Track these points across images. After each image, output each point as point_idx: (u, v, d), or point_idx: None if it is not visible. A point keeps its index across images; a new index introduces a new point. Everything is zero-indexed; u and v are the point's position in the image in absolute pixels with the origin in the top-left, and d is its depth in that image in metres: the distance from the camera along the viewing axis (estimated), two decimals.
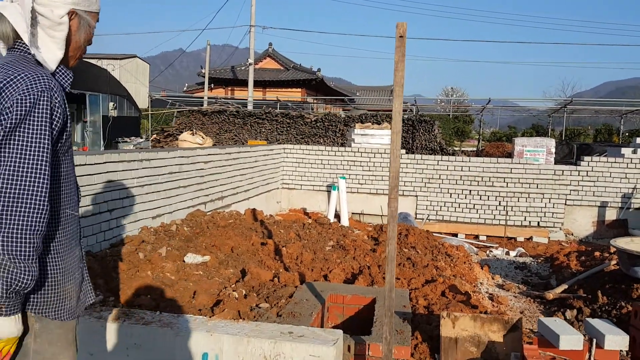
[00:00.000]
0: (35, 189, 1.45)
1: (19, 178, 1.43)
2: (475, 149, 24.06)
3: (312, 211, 9.96)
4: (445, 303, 4.04)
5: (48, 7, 1.57)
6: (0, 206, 1.41)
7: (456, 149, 22.90)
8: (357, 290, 4.19)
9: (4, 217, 1.41)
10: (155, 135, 17.79)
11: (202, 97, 25.75)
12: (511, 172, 9.53)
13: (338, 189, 9.23)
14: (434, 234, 7.98)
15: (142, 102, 28.93)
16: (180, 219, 5.61)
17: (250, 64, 25.10)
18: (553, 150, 11.50)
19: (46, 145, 1.48)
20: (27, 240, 1.42)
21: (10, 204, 1.41)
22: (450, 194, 9.71)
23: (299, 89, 33.90)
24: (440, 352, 3.09)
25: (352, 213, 9.80)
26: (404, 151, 10.15)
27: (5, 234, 1.40)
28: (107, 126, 19.34)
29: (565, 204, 9.46)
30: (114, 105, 20.43)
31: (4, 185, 1.41)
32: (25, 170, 1.44)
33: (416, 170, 9.81)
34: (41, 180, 1.46)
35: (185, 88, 37.54)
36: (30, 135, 1.45)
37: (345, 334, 3.21)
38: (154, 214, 5.18)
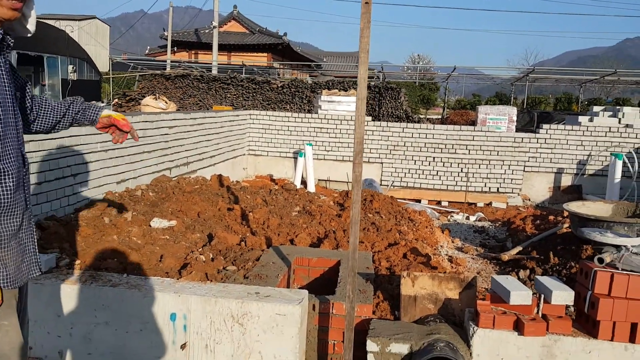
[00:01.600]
0: None
1: None
2: (440, 116, 24.38)
3: (279, 178, 10.02)
4: (406, 264, 4.21)
5: None
6: None
7: (422, 116, 23.16)
8: (322, 253, 4.30)
9: None
10: (117, 100, 17.33)
11: (165, 61, 25.09)
12: (473, 140, 9.77)
13: (304, 156, 9.29)
14: (398, 200, 8.16)
15: (103, 65, 27.98)
16: (146, 185, 5.58)
17: (214, 27, 24.52)
18: (515, 118, 11.79)
19: None
20: None
21: None
22: (415, 161, 9.90)
23: (265, 54, 33.38)
24: (400, 310, 3.24)
25: (319, 180, 9.90)
26: (370, 118, 10.25)
27: None
28: (66, 90, 18.71)
29: (524, 171, 9.79)
30: (73, 68, 19.74)
31: None
32: None
33: (382, 137, 9.93)
34: None
35: (147, 51, 36.41)
36: None
37: (310, 294, 3.33)
38: (119, 179, 5.14)
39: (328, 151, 10.12)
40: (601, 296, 2.83)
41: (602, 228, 4.69)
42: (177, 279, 3.15)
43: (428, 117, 24.73)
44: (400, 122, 13.98)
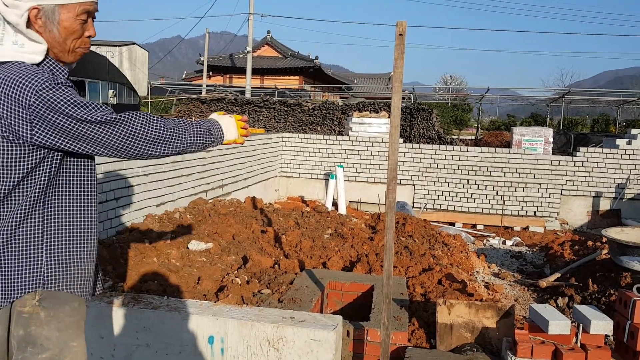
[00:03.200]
0: None
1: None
2: (473, 137, 24.15)
3: (310, 199, 10.09)
4: (441, 291, 4.18)
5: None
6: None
7: (454, 137, 22.97)
8: (355, 277, 4.31)
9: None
10: None
11: (201, 85, 25.74)
12: (509, 162, 9.65)
13: (336, 178, 9.35)
14: (432, 223, 8.11)
15: (142, 89, 28.88)
16: (183, 207, 5.73)
17: (248, 52, 25.07)
18: (551, 139, 11.61)
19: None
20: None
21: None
22: (448, 183, 9.84)
23: (297, 77, 33.87)
24: (436, 338, 3.23)
25: (350, 201, 9.93)
26: (401, 140, 10.26)
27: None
28: None
29: (561, 194, 9.59)
30: (113, 92, 20.44)
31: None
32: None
33: (414, 159, 9.92)
34: None
35: (184, 76, 37.45)
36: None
37: (344, 319, 3.34)
38: (158, 202, 5.30)
39: (359, 173, 10.15)
40: None
41: None
42: (215, 302, 3.22)
43: (461, 137, 24.52)
44: (433, 143, 13.93)
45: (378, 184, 10.03)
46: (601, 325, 2.87)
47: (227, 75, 34.37)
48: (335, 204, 9.47)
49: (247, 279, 3.92)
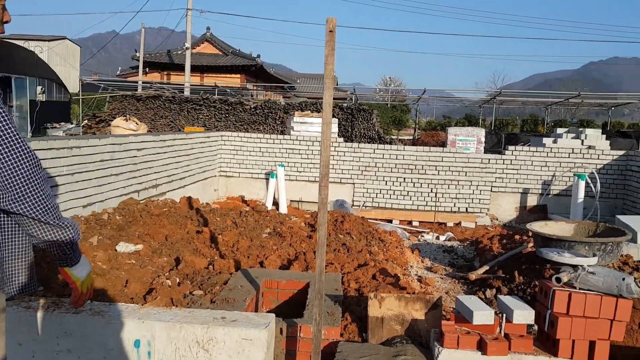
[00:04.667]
0: None
1: None
2: (411, 137, 24.77)
3: (251, 199, 10.00)
4: (375, 285, 4.24)
5: None
6: None
7: (394, 137, 23.47)
8: (291, 275, 4.31)
9: None
10: (86, 121, 17.12)
11: (137, 82, 24.93)
12: (442, 161, 9.95)
13: (276, 177, 9.31)
14: (370, 220, 8.23)
15: (73, 86, 27.62)
16: (113, 208, 5.52)
17: (187, 48, 24.55)
18: (483, 139, 12.09)
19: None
20: None
21: None
22: (386, 181, 10.02)
23: (238, 75, 33.49)
24: (367, 332, 3.27)
25: (291, 200, 9.92)
26: (342, 139, 10.35)
27: None
28: (34, 111, 18.39)
29: (491, 191, 9.99)
30: (42, 89, 19.43)
31: None
32: None
33: (353, 158, 10.04)
34: None
35: (118, 72, 36.14)
36: None
37: (278, 317, 3.32)
38: (85, 203, 5.07)
39: (300, 172, 10.16)
40: (560, 315, 2.91)
41: (564, 248, 4.82)
42: (142, 305, 3.12)
43: (400, 137, 25.09)
44: (373, 142, 14.15)
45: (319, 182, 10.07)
46: (523, 314, 3.01)
47: (165, 72, 33.48)
48: (276, 204, 9.44)
49: (179, 280, 3.82)
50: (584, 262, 3.10)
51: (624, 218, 6.17)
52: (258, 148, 10.31)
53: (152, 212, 5.52)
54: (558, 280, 2.97)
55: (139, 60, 29.46)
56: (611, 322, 2.91)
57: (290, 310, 4.10)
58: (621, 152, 10.01)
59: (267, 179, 9.97)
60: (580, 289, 2.95)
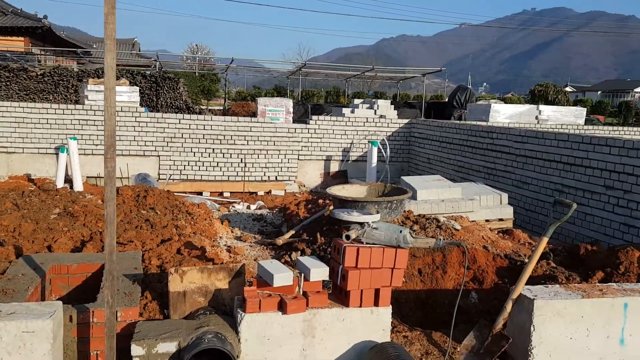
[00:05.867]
0: None
1: None
2: (222, 108, 24.51)
3: (40, 177, 8.91)
4: (179, 260, 4.12)
5: None
6: None
7: (203, 107, 22.96)
8: (84, 257, 3.95)
9: None
10: None
11: None
12: (251, 131, 10.04)
13: (67, 151, 8.41)
14: (178, 194, 7.96)
15: None
16: None
17: None
18: (291, 110, 12.51)
19: None
20: None
21: None
22: (194, 152, 9.77)
23: (22, 38, 29.24)
24: (169, 308, 3.16)
25: (88, 177, 9.10)
26: (143, 109, 9.74)
27: None
28: None
29: (299, 159, 10.44)
30: None
31: None
32: None
33: (157, 129, 9.55)
34: None
35: None
36: None
37: (68, 304, 3.02)
38: None
39: (97, 145, 9.35)
40: (350, 269, 3.16)
41: (358, 208, 5.26)
42: None
43: (210, 108, 24.65)
44: (181, 113, 13.64)
45: (119, 156, 9.38)
46: (319, 272, 3.20)
47: None
48: (69, 181, 8.55)
49: None
50: (369, 219, 3.40)
51: (407, 178, 6.95)
52: (45, 120, 9.18)
53: None
54: (347, 237, 3.21)
55: None
56: (392, 271, 3.25)
57: (85, 295, 3.77)
58: (406, 121, 11.25)
59: (57, 154, 8.96)
60: (367, 243, 3.23)
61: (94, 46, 38.49)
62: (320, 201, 7.44)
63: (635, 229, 5.83)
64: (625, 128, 12.44)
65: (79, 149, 8.80)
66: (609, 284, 3.77)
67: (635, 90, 63.29)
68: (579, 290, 3.53)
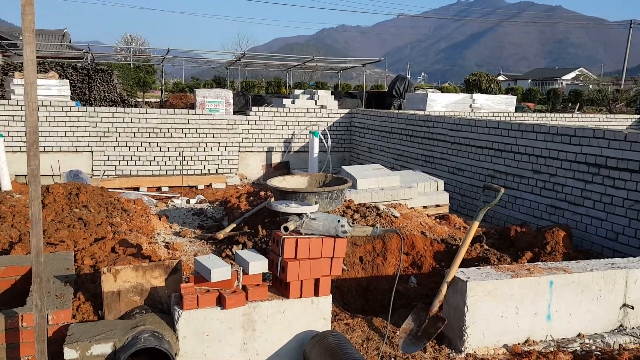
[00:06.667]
0: None
1: None
2: (159, 100, 23.84)
3: None
4: (114, 259, 4.00)
5: None
6: None
7: (139, 100, 22.26)
8: (12, 260, 3.75)
9: None
10: None
11: None
12: (188, 123, 9.84)
13: None
14: (113, 190, 7.69)
15: None
16: None
17: None
18: (231, 101, 12.32)
19: None
20: None
21: None
22: (129, 147, 9.47)
23: None
24: (103, 308, 3.06)
25: (17, 175, 8.64)
26: (74, 103, 9.32)
27: None
28: None
29: (239, 151, 10.33)
30: None
31: None
32: None
33: (89, 123, 9.18)
34: None
35: None
36: None
37: None
38: None
39: (25, 142, 8.86)
40: (289, 260, 3.17)
41: (299, 199, 5.28)
42: None
43: (147, 100, 23.94)
44: (115, 106, 13.16)
45: (50, 152, 8.96)
46: (258, 265, 3.19)
47: None
48: None
49: None
50: (307, 210, 3.42)
51: (347, 168, 7.04)
52: None
53: None
54: (285, 229, 3.22)
55: None
56: (332, 260, 3.29)
57: (15, 299, 3.59)
58: (347, 111, 11.36)
59: None
60: (305, 234, 3.25)
61: (21, 38, 36.38)
62: (262, 193, 7.41)
63: (560, 210, 6.18)
64: (553, 114, 13.11)
65: (5, 146, 8.32)
66: (536, 263, 3.99)
67: (563, 78, 66.75)
68: (508, 270, 3.71)
